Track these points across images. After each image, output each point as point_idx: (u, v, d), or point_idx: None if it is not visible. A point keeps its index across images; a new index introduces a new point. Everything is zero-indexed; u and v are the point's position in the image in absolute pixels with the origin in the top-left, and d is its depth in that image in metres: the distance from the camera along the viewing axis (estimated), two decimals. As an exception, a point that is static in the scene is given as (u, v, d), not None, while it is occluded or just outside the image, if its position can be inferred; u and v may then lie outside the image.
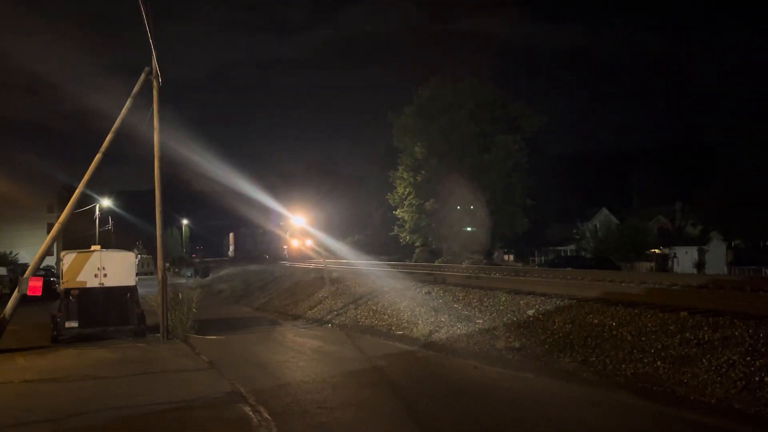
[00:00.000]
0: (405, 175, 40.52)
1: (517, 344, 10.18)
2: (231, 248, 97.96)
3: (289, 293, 22.61)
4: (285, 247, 64.10)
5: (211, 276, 45.17)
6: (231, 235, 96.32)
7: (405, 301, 15.15)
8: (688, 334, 8.40)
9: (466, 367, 9.63)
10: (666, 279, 14.69)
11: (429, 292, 15.47)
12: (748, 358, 7.25)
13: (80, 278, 13.47)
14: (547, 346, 9.71)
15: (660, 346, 8.38)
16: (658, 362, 8.00)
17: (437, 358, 10.57)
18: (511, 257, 51.58)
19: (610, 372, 8.21)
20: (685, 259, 39.31)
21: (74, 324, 13.21)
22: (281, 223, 54.83)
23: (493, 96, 41.36)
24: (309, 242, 41.56)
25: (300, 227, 37.64)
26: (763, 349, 7.32)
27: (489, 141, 39.66)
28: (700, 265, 37.98)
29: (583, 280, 16.29)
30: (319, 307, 18.06)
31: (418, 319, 13.42)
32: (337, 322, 15.67)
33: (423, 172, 39.10)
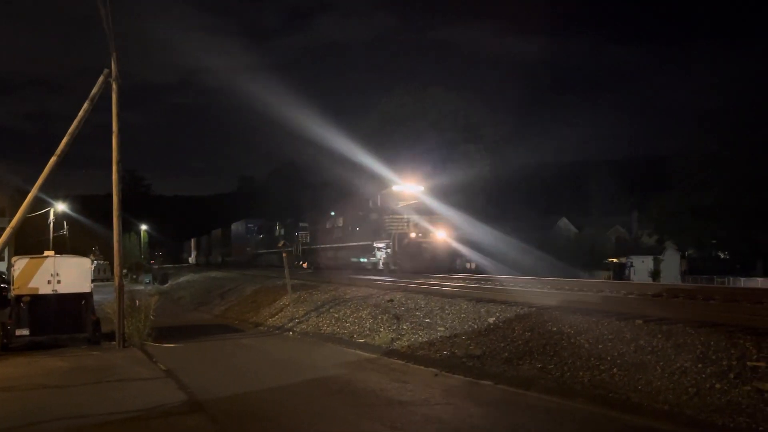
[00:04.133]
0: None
1: (477, 352, 10.26)
2: (193, 254, 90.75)
3: (249, 300, 22.36)
4: (378, 246, 27.46)
5: (170, 283, 44.33)
6: (192, 240, 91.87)
7: (367, 308, 15.13)
8: (642, 342, 8.60)
9: (427, 375, 9.66)
10: (623, 288, 15.03)
11: (391, 300, 15.48)
12: (700, 365, 7.45)
13: (32, 284, 13.07)
14: (506, 354, 9.81)
15: (616, 354, 8.55)
16: (614, 369, 8.16)
17: (398, 366, 10.58)
18: (474, 265, 52.07)
19: (567, 379, 8.34)
20: (641, 268, 40.36)
21: (25, 332, 12.82)
22: (370, 200, 28.86)
23: (456, 106, 41.92)
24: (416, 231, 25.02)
25: (411, 200, 25.16)
26: (713, 357, 7.53)
27: (452, 150, 40.15)
28: (655, 274, 39.04)
29: (543, 288, 16.51)
30: (280, 314, 17.90)
31: (380, 327, 13.41)
32: (298, 329, 15.55)
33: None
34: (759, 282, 31.82)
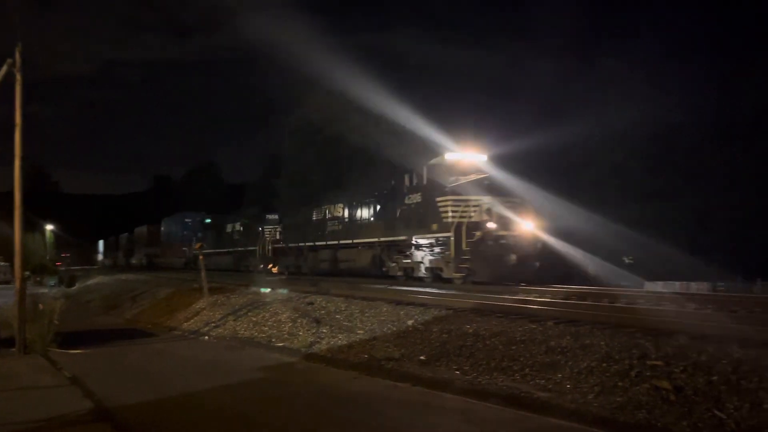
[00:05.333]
0: (289, 185, 40.30)
1: (396, 354, 10.36)
2: (109, 255, 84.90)
3: (164, 304, 21.62)
4: (419, 243, 19.26)
5: (78, 285, 42.14)
6: (108, 239, 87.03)
7: (287, 311, 14.97)
8: (553, 343, 8.97)
9: (345, 378, 9.66)
10: (535, 291, 15.57)
11: (311, 303, 15.39)
12: (604, 365, 7.84)
13: None
14: (424, 356, 9.96)
15: (528, 355, 8.87)
16: (526, 370, 8.45)
17: (317, 369, 10.52)
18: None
19: (482, 380, 8.56)
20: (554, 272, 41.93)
21: None
22: (405, 175, 20.45)
23: (378, 110, 42.17)
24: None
25: (476, 174, 18.39)
26: (617, 356, 7.95)
27: (374, 154, 40.35)
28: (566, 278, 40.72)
29: (461, 290, 16.88)
30: (196, 318, 17.41)
31: (300, 330, 13.30)
32: (215, 334, 15.18)
33: (310, 180, 39.07)
34: (659, 285, 33.76)
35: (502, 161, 19.83)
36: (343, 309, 14.21)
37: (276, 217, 32.75)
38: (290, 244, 29.26)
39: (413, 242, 19.47)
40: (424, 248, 19.26)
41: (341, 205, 25.21)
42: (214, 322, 16.18)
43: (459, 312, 11.91)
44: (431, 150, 20.89)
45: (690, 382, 6.87)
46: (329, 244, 25.36)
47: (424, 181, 19.31)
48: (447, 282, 18.22)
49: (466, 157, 19.03)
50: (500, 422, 6.99)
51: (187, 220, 49.46)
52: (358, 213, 23.74)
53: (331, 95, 41.91)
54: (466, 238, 17.21)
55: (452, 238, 17.38)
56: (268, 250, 31.83)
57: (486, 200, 17.58)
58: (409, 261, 19.98)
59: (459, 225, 17.46)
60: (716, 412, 6.19)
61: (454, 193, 18.11)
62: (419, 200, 19.39)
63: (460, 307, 12.32)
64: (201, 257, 19.72)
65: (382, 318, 12.70)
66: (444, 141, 21.24)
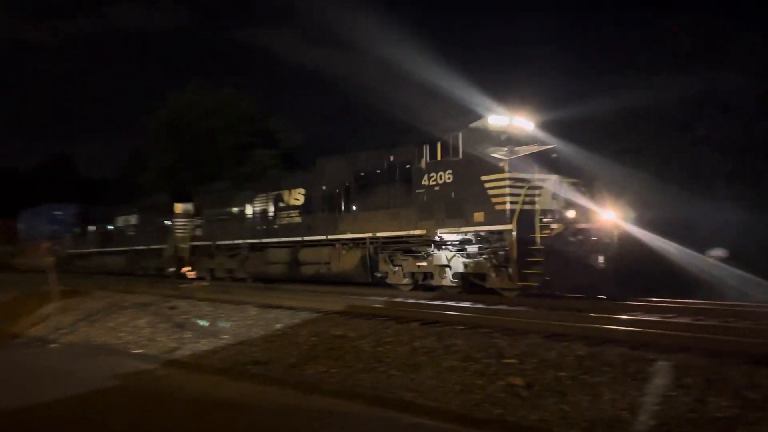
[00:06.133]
0: (155, 182, 38.39)
1: (264, 358, 10.18)
2: None
3: (6, 308, 19.66)
4: (445, 239, 14.44)
5: None
6: None
7: (146, 316, 14.21)
8: (417, 344, 9.25)
9: (209, 384, 9.33)
10: (402, 293, 15.96)
11: (174, 307, 14.72)
12: (465, 364, 8.22)
13: None
14: (293, 359, 9.87)
15: (394, 356, 9.08)
16: (393, 371, 8.64)
17: (179, 376, 10.07)
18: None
19: (350, 381, 8.63)
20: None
21: None
22: (425, 145, 14.74)
23: (253, 109, 41.40)
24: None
25: (532, 144, 14.20)
26: (476, 356, 8.36)
27: (247, 154, 39.50)
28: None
29: (331, 293, 16.94)
30: (43, 324, 16.02)
31: (160, 336, 12.68)
32: (65, 340, 14.05)
33: (177, 179, 37.42)
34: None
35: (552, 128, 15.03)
36: (208, 313, 13.74)
37: (191, 207, 25.82)
38: (219, 242, 22.90)
39: (436, 238, 14.73)
40: (450, 246, 14.68)
41: (301, 191, 19.23)
42: (64, 328, 14.98)
43: (327, 315, 11.95)
44: (465, 112, 15.21)
45: (540, 379, 7.38)
46: (285, 242, 19.41)
47: (460, 155, 14.18)
48: (492, 293, 13.89)
49: (518, 121, 14.40)
50: (367, 422, 7.09)
51: (56, 212, 41.37)
52: (332, 201, 17.87)
53: (203, 90, 40.53)
54: (539, 233, 12.67)
55: (514, 233, 12.80)
56: (183, 248, 25.20)
57: (554, 180, 13.37)
58: (424, 264, 15.12)
59: (528, 213, 12.79)
60: (562, 405, 6.69)
61: (512, 169, 13.29)
62: (449, 180, 14.32)
63: (329, 310, 12.36)
64: (53, 258, 18.22)
65: (250, 322, 12.43)
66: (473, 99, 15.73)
